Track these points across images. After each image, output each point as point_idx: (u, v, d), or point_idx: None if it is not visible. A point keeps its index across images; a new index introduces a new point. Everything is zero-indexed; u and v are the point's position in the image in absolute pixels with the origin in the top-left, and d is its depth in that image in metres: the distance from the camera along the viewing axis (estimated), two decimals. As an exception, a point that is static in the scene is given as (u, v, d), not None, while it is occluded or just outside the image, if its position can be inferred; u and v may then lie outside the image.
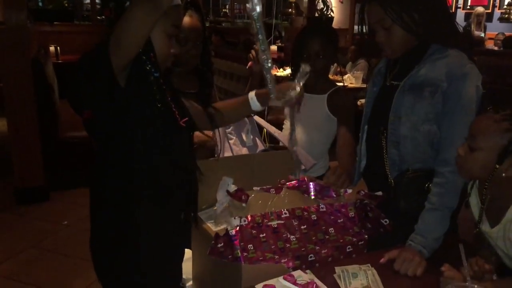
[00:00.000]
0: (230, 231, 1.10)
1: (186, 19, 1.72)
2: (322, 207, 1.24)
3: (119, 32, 0.99)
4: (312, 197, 1.26)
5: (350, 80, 4.93)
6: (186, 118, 1.19)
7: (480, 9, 7.43)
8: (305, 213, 1.22)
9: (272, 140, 1.92)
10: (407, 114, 1.31)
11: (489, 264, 1.10)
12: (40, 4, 9.88)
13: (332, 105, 1.84)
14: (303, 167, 1.53)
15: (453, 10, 8.13)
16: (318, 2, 7.35)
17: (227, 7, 12.99)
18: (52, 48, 5.52)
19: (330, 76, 5.08)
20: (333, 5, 8.85)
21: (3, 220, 3.14)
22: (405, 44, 1.32)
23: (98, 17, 10.99)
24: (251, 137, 1.83)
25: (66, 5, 7.19)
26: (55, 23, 6.70)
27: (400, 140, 1.34)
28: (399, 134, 1.33)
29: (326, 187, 1.27)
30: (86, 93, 1.08)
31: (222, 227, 1.17)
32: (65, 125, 3.75)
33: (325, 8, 7.23)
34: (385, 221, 1.25)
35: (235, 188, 1.16)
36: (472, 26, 7.24)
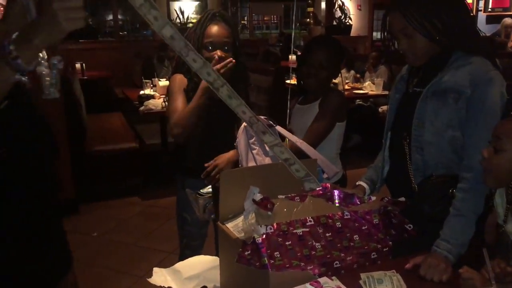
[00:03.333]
0: (256, 239, 1.13)
1: (214, 28, 1.81)
2: (346, 215, 1.26)
3: None
4: (337, 204, 1.28)
5: (371, 87, 4.91)
6: (3, 149, 1.08)
7: (508, 20, 7.27)
8: (330, 220, 1.24)
9: (294, 149, 1.95)
10: (430, 120, 1.33)
11: (511, 266, 1.10)
12: (65, 22, 10.22)
13: (319, 105, 1.92)
14: (325, 176, 1.55)
15: (474, 13, 8.02)
16: (336, 10, 7.38)
17: (246, 18, 13.14)
18: (78, 65, 5.71)
19: (351, 84, 5.09)
20: (351, 13, 8.86)
21: (35, 232, 3.25)
22: (428, 52, 1.34)
23: (120, 33, 11.30)
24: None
25: (90, 22, 7.42)
26: (80, 40, 6.94)
27: (424, 146, 1.35)
28: (422, 140, 1.35)
29: (350, 194, 1.29)
30: None
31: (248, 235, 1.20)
32: (92, 139, 3.87)
33: (343, 16, 7.25)
34: (409, 226, 1.26)
35: (261, 197, 1.19)
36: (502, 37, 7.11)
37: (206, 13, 1.87)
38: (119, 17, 11.19)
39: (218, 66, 1.66)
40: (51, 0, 0.88)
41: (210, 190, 1.80)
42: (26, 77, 0.95)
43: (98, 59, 6.57)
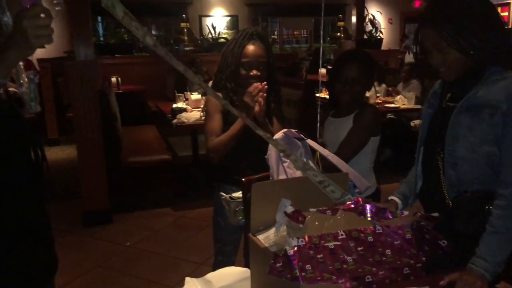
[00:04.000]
0: (288, 251, 1.15)
1: (250, 47, 1.89)
2: (378, 229, 1.26)
3: None
4: (369, 218, 1.28)
5: (403, 101, 4.85)
6: None
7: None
8: (362, 234, 1.24)
9: (325, 162, 1.96)
10: (464, 135, 1.31)
11: None
12: (102, 38, 10.64)
13: (354, 119, 1.91)
14: (357, 190, 1.55)
15: (510, 26, 7.82)
16: (366, 24, 7.35)
17: (276, 33, 13.27)
18: (114, 79, 5.91)
19: (383, 98, 5.05)
20: (382, 27, 8.80)
21: (72, 241, 3.36)
22: (461, 67, 1.32)
23: (154, 48, 11.54)
24: (305, 160, 1.87)
25: (126, 38, 7.67)
26: (116, 55, 7.18)
27: (458, 161, 1.33)
28: (456, 155, 1.33)
29: (382, 209, 1.28)
30: None
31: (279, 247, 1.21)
32: (127, 151, 3.98)
33: (374, 30, 7.21)
34: (443, 243, 1.24)
35: (292, 210, 1.21)
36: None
37: (243, 32, 1.94)
38: (153, 32, 11.56)
39: (255, 93, 1.78)
40: (22, 19, 0.98)
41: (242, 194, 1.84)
42: (1, 90, 1.05)
43: (133, 73, 6.78)
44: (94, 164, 3.52)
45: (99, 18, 10.63)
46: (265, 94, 1.80)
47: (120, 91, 5.92)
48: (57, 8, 1.12)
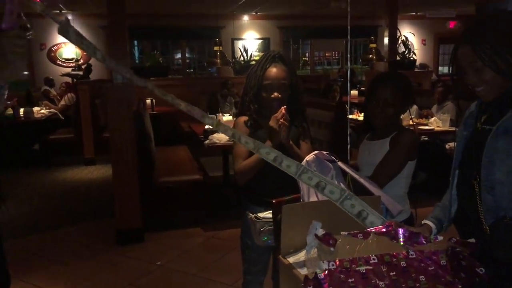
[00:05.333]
0: (319, 274, 1.13)
1: (272, 70, 1.92)
2: (411, 254, 1.23)
3: None
4: (401, 243, 1.25)
5: (437, 123, 4.75)
6: None
7: None
8: (394, 259, 1.21)
9: (356, 185, 1.94)
10: (502, 159, 1.27)
11: None
12: (137, 61, 11.04)
13: (390, 143, 1.88)
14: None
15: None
16: (399, 45, 7.31)
17: (307, 55, 13.35)
18: (148, 101, 6.09)
19: (416, 120, 4.96)
20: (415, 48, 8.72)
21: (104, 258, 3.43)
22: (497, 87, 1.30)
23: (188, 71, 11.88)
24: (336, 182, 1.86)
25: (161, 61, 7.92)
26: (151, 78, 7.41)
27: (495, 186, 1.29)
28: (493, 180, 1.29)
29: (415, 233, 1.25)
30: None
31: (310, 270, 1.20)
32: (160, 171, 4.06)
33: (406, 51, 7.15)
34: (481, 270, 1.19)
35: (323, 232, 1.20)
36: None
37: (266, 55, 1.98)
38: (187, 55, 11.88)
39: (280, 117, 1.80)
40: (1, 37, 1.20)
41: (268, 215, 1.83)
42: None
43: (166, 95, 6.95)
44: (128, 183, 3.61)
45: (135, 42, 11.05)
46: (281, 118, 1.81)
47: (154, 112, 6.09)
48: (28, 37, 1.34)
